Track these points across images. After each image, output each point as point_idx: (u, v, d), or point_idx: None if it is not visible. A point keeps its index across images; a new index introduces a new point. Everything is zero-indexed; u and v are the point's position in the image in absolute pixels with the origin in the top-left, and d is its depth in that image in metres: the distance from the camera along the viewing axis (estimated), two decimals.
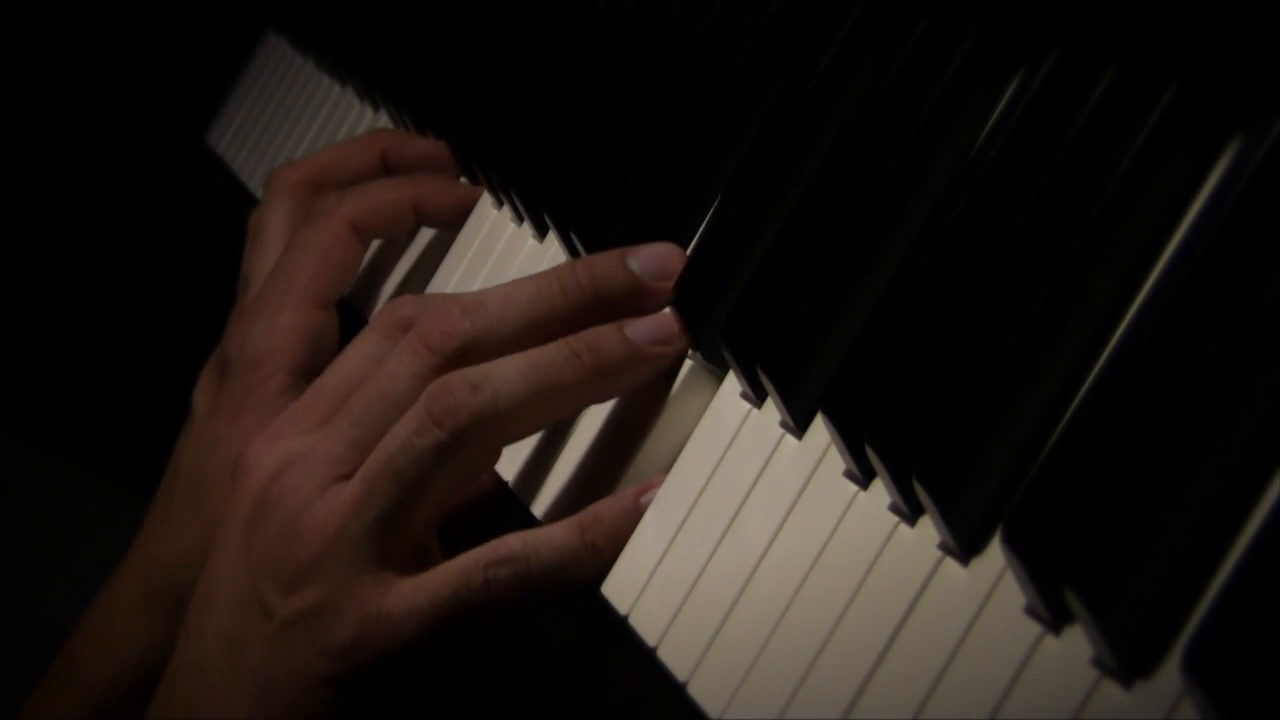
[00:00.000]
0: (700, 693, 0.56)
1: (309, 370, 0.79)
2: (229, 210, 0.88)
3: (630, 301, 0.65)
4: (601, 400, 0.66)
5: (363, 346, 0.67)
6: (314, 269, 0.81)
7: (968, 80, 0.59)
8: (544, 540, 0.62)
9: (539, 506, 0.67)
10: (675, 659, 0.58)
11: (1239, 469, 0.45)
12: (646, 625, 0.60)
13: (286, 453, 0.65)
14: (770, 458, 0.59)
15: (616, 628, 0.61)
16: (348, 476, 0.63)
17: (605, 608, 0.62)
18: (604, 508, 0.62)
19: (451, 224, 0.85)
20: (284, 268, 0.80)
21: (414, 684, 0.63)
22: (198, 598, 0.67)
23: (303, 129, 1.09)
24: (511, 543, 0.61)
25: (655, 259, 0.66)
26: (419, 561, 0.63)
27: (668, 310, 0.65)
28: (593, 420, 0.67)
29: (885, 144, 0.60)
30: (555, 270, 0.66)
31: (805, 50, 0.66)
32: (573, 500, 0.66)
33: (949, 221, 0.55)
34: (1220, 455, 0.45)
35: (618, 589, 0.62)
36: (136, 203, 1.43)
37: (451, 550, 0.64)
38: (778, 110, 0.65)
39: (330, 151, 0.88)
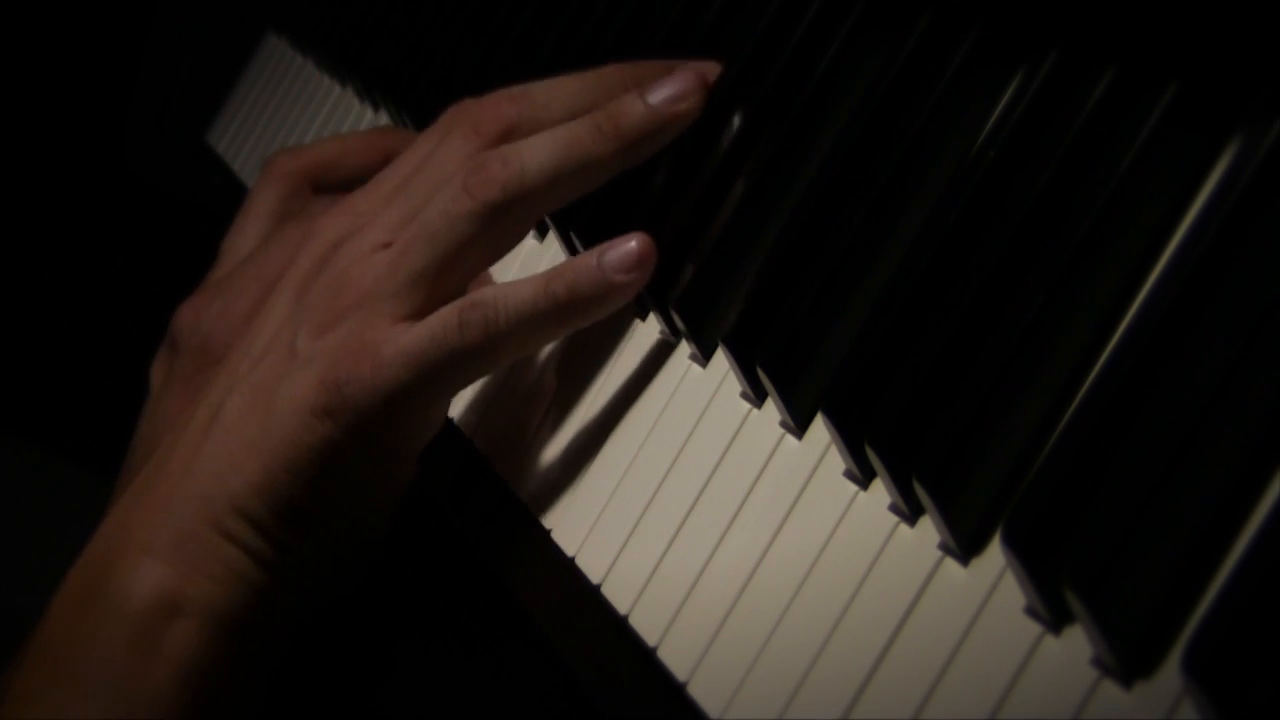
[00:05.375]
0: (700, 693, 0.56)
1: None
2: (229, 210, 0.88)
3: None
4: (629, 166, 0.68)
5: (422, 143, 0.72)
6: None
7: (968, 80, 0.59)
8: (513, 288, 0.66)
9: (537, 505, 0.67)
10: (675, 659, 0.58)
11: (1239, 469, 0.45)
12: (646, 625, 0.60)
13: (349, 225, 0.71)
14: (770, 458, 0.59)
15: (617, 628, 0.61)
16: None
17: (606, 607, 0.62)
18: (568, 263, 0.66)
19: None
20: (259, 259, 0.81)
21: (399, 434, 0.66)
22: (239, 347, 0.71)
23: (303, 129, 1.09)
24: (485, 291, 0.66)
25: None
26: None
27: (686, 65, 0.69)
28: (590, 416, 0.67)
29: (885, 144, 0.60)
30: (600, 70, 0.71)
31: (805, 50, 0.66)
32: (564, 495, 0.66)
33: (949, 221, 0.55)
34: (1220, 455, 0.45)
35: (618, 589, 0.62)
36: (136, 203, 1.43)
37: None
38: (777, 110, 0.65)
39: (332, 145, 0.89)
